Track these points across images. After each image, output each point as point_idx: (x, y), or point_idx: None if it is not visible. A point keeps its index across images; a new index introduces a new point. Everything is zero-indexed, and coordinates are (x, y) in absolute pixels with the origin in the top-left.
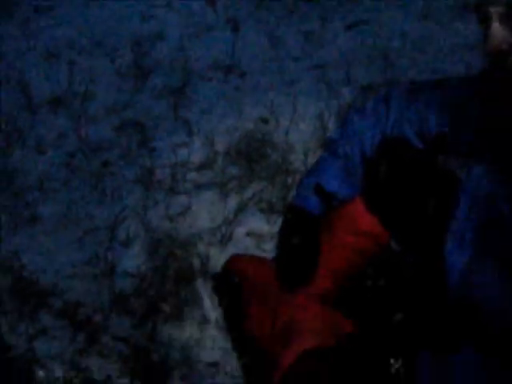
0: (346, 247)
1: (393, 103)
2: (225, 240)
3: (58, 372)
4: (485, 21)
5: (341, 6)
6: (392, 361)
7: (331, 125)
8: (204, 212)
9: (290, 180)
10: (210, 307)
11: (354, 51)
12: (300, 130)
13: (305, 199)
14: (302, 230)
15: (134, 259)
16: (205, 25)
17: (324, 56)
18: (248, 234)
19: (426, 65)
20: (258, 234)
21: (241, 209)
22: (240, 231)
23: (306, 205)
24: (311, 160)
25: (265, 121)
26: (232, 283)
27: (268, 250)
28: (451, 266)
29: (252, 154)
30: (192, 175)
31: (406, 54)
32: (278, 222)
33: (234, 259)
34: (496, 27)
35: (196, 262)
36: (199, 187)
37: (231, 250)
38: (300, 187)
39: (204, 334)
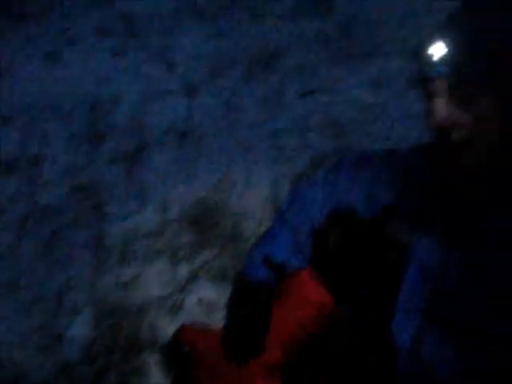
0: (296, 318)
1: (343, 173)
2: (175, 309)
3: None
4: (429, 96)
5: (296, 73)
6: None
7: (284, 192)
8: (155, 280)
9: (241, 248)
10: (159, 378)
11: (308, 119)
12: (253, 197)
13: (254, 270)
14: (251, 301)
15: (82, 328)
16: (162, 89)
17: (279, 123)
18: (199, 303)
19: (379, 133)
20: (208, 302)
21: (192, 277)
22: (191, 300)
23: (255, 275)
24: (264, 228)
25: (219, 187)
26: (181, 354)
27: (219, 318)
28: (399, 339)
29: (204, 221)
30: (143, 242)
31: (359, 122)
32: (230, 290)
33: (183, 329)
34: (440, 103)
35: (145, 332)
36: (150, 255)
37: (181, 319)
38: (249, 258)
39: None
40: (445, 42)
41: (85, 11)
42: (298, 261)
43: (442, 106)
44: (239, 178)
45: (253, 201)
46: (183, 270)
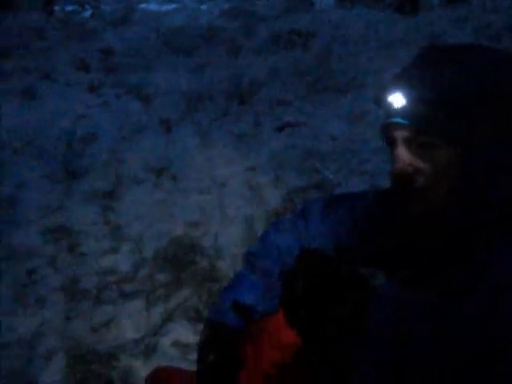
0: (271, 362)
1: (311, 218)
2: (149, 351)
3: None
4: (391, 143)
5: (272, 108)
6: None
7: (258, 229)
8: (129, 322)
9: (217, 287)
10: None
11: (284, 153)
12: (228, 234)
13: (223, 314)
14: (219, 347)
15: (53, 374)
16: (138, 125)
17: (254, 158)
18: (173, 344)
19: (356, 166)
20: (183, 343)
21: (167, 318)
22: (165, 341)
23: (224, 320)
24: (238, 267)
25: (194, 225)
26: None
27: (194, 360)
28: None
29: (180, 260)
30: (119, 283)
31: (335, 156)
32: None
33: (156, 372)
34: (401, 150)
35: (120, 375)
36: (125, 296)
37: (155, 362)
38: (218, 302)
39: None
40: (402, 92)
41: (63, 46)
42: (268, 303)
43: (402, 154)
44: (215, 215)
45: (228, 238)
46: (158, 311)
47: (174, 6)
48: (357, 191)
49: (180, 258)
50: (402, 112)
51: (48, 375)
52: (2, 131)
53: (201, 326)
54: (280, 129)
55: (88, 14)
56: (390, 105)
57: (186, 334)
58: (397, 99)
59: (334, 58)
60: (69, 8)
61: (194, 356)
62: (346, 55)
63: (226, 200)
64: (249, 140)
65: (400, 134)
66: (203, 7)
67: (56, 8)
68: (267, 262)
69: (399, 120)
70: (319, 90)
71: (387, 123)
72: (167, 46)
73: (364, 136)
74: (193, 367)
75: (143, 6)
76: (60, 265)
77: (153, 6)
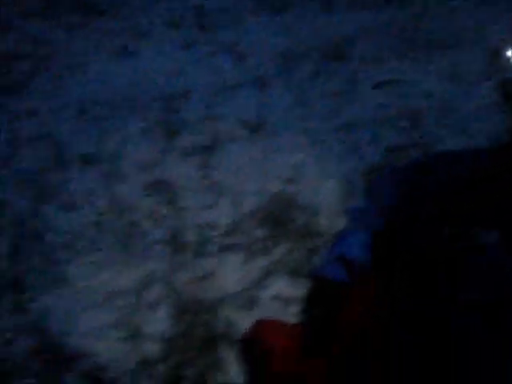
0: (357, 314)
1: (415, 172)
2: (250, 304)
3: None
4: (508, 97)
5: (367, 66)
6: None
7: (357, 187)
8: (230, 275)
9: (316, 243)
10: (235, 373)
11: (380, 111)
12: (326, 191)
13: (329, 268)
14: (326, 300)
15: (160, 323)
16: (233, 83)
17: (350, 116)
18: (274, 298)
19: (455, 125)
20: (283, 297)
21: (267, 272)
22: (266, 295)
23: (329, 274)
24: (337, 223)
25: (291, 182)
26: (257, 350)
27: (295, 313)
28: None
29: (278, 217)
30: (219, 237)
31: (433, 115)
32: (305, 285)
33: (259, 324)
34: None
35: (221, 327)
36: (226, 249)
37: (257, 314)
38: (324, 256)
39: None
40: None
41: (156, 5)
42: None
43: None
44: (311, 172)
45: (325, 195)
46: (258, 265)
47: None
48: (458, 150)
49: (278, 214)
50: None
51: (154, 324)
52: (100, 88)
53: (300, 281)
54: (376, 86)
55: None
56: (510, 60)
57: (286, 288)
58: None
59: (432, 15)
60: None
61: (294, 309)
62: (444, 12)
63: (322, 157)
64: (344, 97)
65: None
66: None
67: None
68: (372, 217)
69: None
70: (416, 47)
71: (507, 78)
72: (260, 4)
73: (463, 94)
74: (293, 320)
75: None
76: (161, 218)
77: None
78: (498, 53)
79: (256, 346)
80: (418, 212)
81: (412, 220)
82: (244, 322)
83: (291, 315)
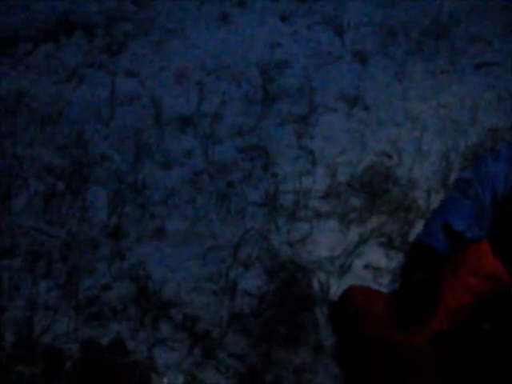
0: (468, 289)
1: None
2: (343, 270)
3: (176, 381)
4: None
5: (470, 45)
6: None
7: (456, 165)
8: (324, 240)
9: (411, 217)
10: (326, 334)
11: (481, 92)
12: (423, 167)
13: (432, 237)
14: (427, 268)
15: (254, 280)
16: (331, 56)
17: (450, 95)
18: (366, 267)
19: None
20: (375, 267)
21: (360, 241)
22: (358, 263)
23: (432, 242)
24: (434, 198)
25: (388, 156)
26: (350, 314)
27: (385, 283)
28: None
29: (374, 188)
30: (314, 203)
31: None
32: (397, 257)
33: (351, 290)
34: None
35: (315, 289)
36: (321, 215)
37: (349, 281)
38: (428, 224)
39: (317, 360)
40: None
41: None
42: (477, 231)
43: None
44: (409, 148)
45: (422, 171)
46: (352, 234)
47: None
48: None
49: (374, 185)
50: None
51: (248, 280)
52: (199, 53)
53: (393, 253)
54: (478, 67)
55: None
56: None
57: (378, 258)
58: None
59: None
60: None
61: (384, 280)
62: None
63: (419, 134)
64: (444, 76)
65: None
66: None
67: None
68: (481, 188)
69: None
70: None
71: None
72: None
73: None
74: (384, 290)
75: None
76: (256, 181)
77: None
78: None
79: (349, 310)
80: None
81: None
82: (336, 286)
83: (381, 285)
